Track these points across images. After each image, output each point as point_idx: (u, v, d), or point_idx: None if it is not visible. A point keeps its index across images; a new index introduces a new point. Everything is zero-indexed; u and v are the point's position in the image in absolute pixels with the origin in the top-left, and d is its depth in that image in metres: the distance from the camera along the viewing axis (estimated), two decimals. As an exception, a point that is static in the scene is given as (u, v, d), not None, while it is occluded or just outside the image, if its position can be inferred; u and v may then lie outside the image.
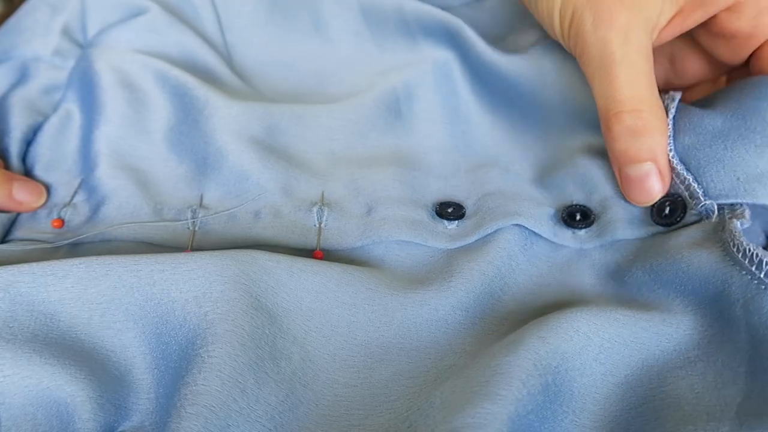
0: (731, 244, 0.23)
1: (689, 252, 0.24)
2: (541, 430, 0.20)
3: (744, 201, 0.24)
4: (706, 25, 0.28)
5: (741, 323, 0.22)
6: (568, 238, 0.27)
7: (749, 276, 0.22)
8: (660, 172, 0.25)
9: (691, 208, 0.25)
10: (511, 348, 0.21)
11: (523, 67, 0.32)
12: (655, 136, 0.25)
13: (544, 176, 0.30)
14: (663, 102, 0.27)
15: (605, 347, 0.22)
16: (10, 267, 0.23)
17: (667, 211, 0.26)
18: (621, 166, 0.26)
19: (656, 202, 0.26)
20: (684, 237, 0.25)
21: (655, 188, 0.25)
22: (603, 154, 0.29)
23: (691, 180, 0.25)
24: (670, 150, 0.26)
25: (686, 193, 0.25)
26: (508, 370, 0.20)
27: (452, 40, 0.34)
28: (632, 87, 0.25)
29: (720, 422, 0.20)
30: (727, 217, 0.24)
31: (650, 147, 0.25)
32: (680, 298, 0.24)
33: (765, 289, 0.21)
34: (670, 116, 0.27)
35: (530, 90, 0.32)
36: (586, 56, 0.26)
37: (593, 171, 0.29)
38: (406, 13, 0.35)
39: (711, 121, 0.26)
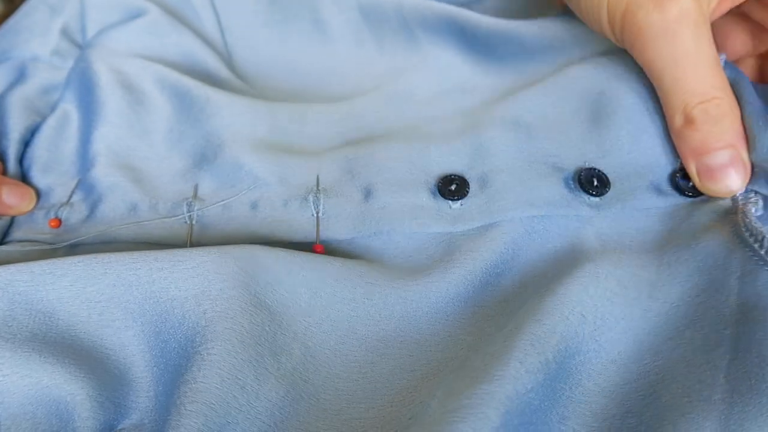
0: (742, 224, 0.23)
1: (699, 229, 0.24)
2: (540, 407, 0.20)
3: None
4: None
5: (732, 292, 0.22)
6: (582, 206, 0.26)
7: (751, 252, 0.23)
8: (741, 158, 0.24)
9: None
10: (508, 334, 0.21)
11: (531, 27, 0.32)
12: (734, 121, 0.25)
13: (559, 129, 0.28)
14: None
15: (598, 325, 0.22)
16: (8, 266, 0.23)
17: (691, 182, 0.26)
18: (699, 157, 0.25)
19: (681, 171, 0.26)
20: (697, 215, 0.25)
21: (737, 176, 0.24)
22: (620, 109, 0.28)
23: None
24: None
25: None
26: (504, 352, 0.20)
27: (451, 27, 0.34)
28: (710, 77, 0.25)
29: (712, 390, 0.20)
30: (740, 203, 0.24)
31: (731, 132, 0.24)
32: (674, 267, 0.24)
33: (764, 265, 0.22)
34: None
35: (539, 44, 0.32)
36: (650, 50, 0.25)
37: (610, 132, 0.27)
38: (405, 9, 0.35)
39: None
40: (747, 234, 0.23)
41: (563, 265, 0.25)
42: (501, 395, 0.19)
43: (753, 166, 0.25)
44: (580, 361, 0.22)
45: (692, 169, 0.26)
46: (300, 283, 0.24)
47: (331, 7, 0.36)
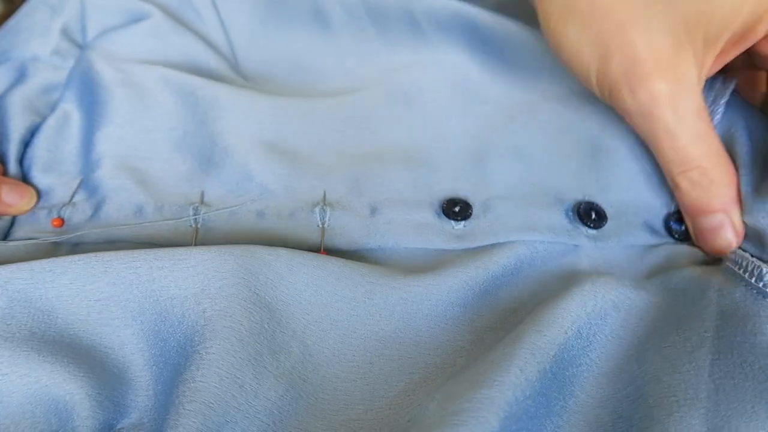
0: (731, 261, 0.25)
1: (685, 265, 0.26)
2: (536, 415, 0.21)
3: None
4: (751, 50, 0.27)
5: (712, 302, 0.23)
6: (581, 237, 0.27)
7: (731, 272, 0.24)
8: (732, 223, 0.25)
9: None
10: (508, 342, 0.22)
11: (536, 39, 0.32)
12: (724, 188, 0.25)
13: (560, 160, 0.29)
14: (715, 88, 0.28)
15: (590, 341, 0.23)
16: (8, 265, 0.23)
17: (683, 227, 0.27)
18: (693, 218, 0.26)
19: (675, 215, 0.27)
20: (685, 255, 0.26)
21: (729, 238, 0.25)
22: (621, 148, 0.29)
23: None
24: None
25: None
26: (504, 359, 0.21)
27: (462, 24, 0.34)
28: (692, 149, 0.25)
29: (697, 389, 0.21)
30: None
31: (721, 198, 0.25)
32: (662, 295, 0.25)
33: (740, 280, 0.23)
34: (722, 101, 0.27)
35: (551, 58, 0.32)
36: (635, 126, 0.26)
37: (610, 167, 0.29)
38: (413, 4, 0.34)
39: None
40: (728, 263, 0.25)
41: (561, 284, 0.25)
42: (501, 401, 0.19)
43: (746, 227, 0.26)
44: (573, 373, 0.22)
45: (689, 225, 0.27)
46: (301, 280, 0.24)
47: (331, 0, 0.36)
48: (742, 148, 0.27)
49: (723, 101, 0.27)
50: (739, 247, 0.26)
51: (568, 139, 0.30)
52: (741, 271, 0.23)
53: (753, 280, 0.23)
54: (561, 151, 0.30)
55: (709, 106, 0.28)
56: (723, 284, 0.24)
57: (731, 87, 0.28)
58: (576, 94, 0.31)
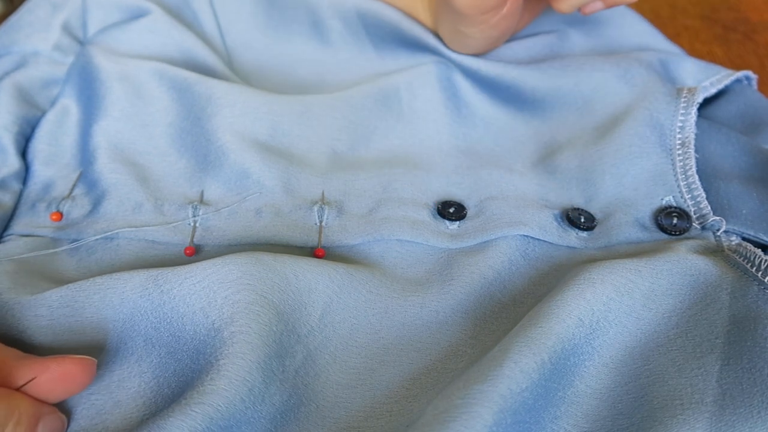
0: (732, 251, 0.26)
1: (687, 251, 0.26)
2: (534, 406, 0.21)
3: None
4: None
5: (724, 306, 0.24)
6: (572, 238, 0.28)
7: (742, 271, 0.25)
8: None
9: (696, 222, 0.28)
10: (505, 339, 0.22)
11: (528, 74, 0.34)
12: None
13: (547, 177, 0.30)
14: (681, 95, 0.31)
15: (594, 328, 0.23)
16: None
17: (674, 221, 0.28)
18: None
19: (663, 210, 0.28)
20: (684, 246, 0.27)
21: None
22: (605, 155, 0.30)
23: (702, 197, 0.28)
24: (689, 159, 0.29)
25: (694, 208, 0.28)
26: (500, 354, 0.21)
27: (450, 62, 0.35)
28: None
29: (704, 393, 0.21)
30: (724, 242, 0.27)
31: None
32: (668, 279, 0.25)
33: (753, 280, 0.24)
34: (694, 112, 0.30)
35: (532, 88, 0.33)
36: None
37: (594, 177, 0.30)
38: (404, 31, 0.36)
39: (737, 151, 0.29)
40: (736, 256, 0.25)
41: (558, 279, 0.26)
42: (494, 394, 0.19)
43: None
44: (574, 362, 0.22)
45: None
46: (304, 286, 0.24)
47: (329, 11, 0.36)
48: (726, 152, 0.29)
49: (694, 110, 0.30)
50: (749, 240, 0.27)
51: (555, 152, 0.31)
52: (754, 270, 0.24)
53: (767, 280, 0.23)
54: (548, 164, 0.31)
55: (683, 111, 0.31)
56: (735, 284, 0.24)
57: (700, 97, 0.31)
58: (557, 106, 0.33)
